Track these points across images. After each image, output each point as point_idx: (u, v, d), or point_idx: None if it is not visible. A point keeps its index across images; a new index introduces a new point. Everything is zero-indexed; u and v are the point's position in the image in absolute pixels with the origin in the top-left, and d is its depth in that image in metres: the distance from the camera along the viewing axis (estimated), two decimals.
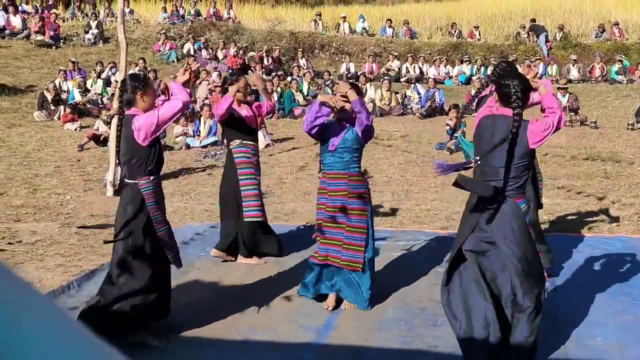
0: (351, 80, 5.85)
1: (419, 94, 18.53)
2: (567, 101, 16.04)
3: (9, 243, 7.24)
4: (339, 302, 5.38)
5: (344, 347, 4.63)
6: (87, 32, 22.70)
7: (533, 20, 25.66)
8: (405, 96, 18.60)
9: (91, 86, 17.54)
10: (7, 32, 21.82)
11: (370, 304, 5.31)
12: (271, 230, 6.89)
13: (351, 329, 4.96)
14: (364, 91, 17.92)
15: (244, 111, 6.69)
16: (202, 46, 22.32)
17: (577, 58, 22.62)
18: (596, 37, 25.11)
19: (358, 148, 5.36)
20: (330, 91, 18.23)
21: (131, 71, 17.28)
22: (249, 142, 6.69)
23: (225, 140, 7.09)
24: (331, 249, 5.30)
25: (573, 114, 15.92)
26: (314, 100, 17.20)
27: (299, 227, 7.93)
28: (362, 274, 5.29)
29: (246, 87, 6.77)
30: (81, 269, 6.39)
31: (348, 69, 22.30)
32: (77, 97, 16.67)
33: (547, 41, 24.02)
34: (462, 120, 13.54)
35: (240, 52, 21.97)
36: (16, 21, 22.14)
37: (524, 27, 25.83)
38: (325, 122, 5.34)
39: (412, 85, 19.07)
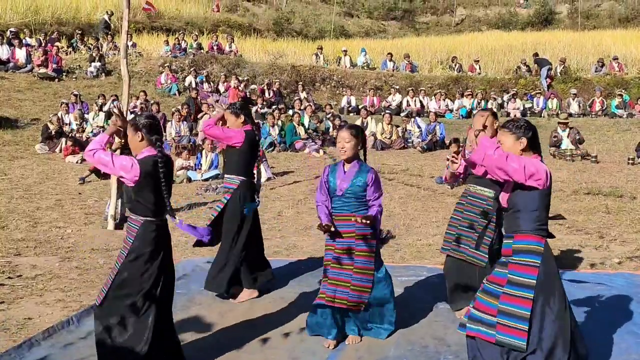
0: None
1: (419, 127, 18.61)
2: (568, 135, 16.12)
3: (9, 277, 7.22)
4: (339, 340, 5.36)
5: None
6: (89, 65, 22.87)
7: (536, 54, 25.86)
8: (406, 130, 18.68)
9: (93, 119, 17.61)
10: (10, 65, 21.96)
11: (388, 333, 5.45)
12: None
13: None
14: (365, 124, 18.02)
15: None
16: (204, 79, 22.47)
17: (577, 92, 22.78)
18: (596, 72, 25.31)
19: (365, 195, 5.32)
20: (330, 124, 18.33)
21: (132, 104, 17.46)
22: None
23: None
24: (338, 290, 5.28)
25: (574, 148, 15.99)
26: (314, 136, 17.29)
27: (300, 261, 7.90)
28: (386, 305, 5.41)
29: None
30: (81, 304, 6.36)
31: (349, 103, 22.44)
32: (75, 129, 16.71)
33: (547, 76, 24.16)
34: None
35: (242, 85, 22.10)
36: (20, 54, 22.30)
37: (525, 61, 26.04)
38: (328, 185, 5.40)
39: (413, 119, 19.16)
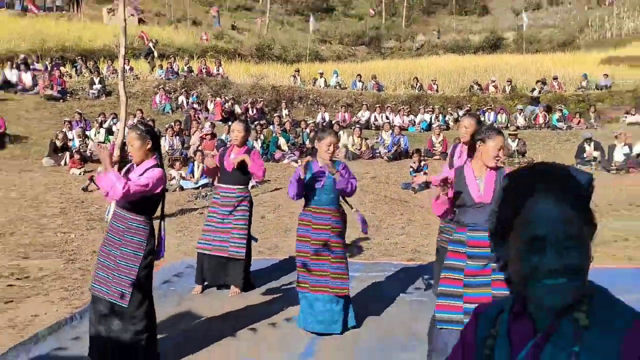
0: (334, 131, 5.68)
1: (383, 141, 18.64)
2: (517, 145, 16.25)
3: (18, 278, 7.07)
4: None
5: None
6: (91, 87, 22.67)
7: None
8: (377, 141, 18.70)
9: (95, 135, 17.39)
10: (19, 87, 21.73)
11: (345, 328, 5.30)
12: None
13: (329, 354, 4.87)
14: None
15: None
16: (196, 100, 22.34)
17: (522, 108, 23.00)
18: (539, 90, 25.57)
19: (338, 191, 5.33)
20: (307, 138, 18.28)
21: (130, 121, 17.29)
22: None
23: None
24: (321, 280, 5.22)
25: (522, 156, 16.11)
26: (293, 150, 17.22)
27: (281, 260, 7.84)
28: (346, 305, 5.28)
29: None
30: (83, 301, 6.23)
31: (323, 118, 22.41)
32: (77, 145, 16.46)
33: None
34: (424, 163, 13.61)
35: (228, 104, 22.04)
36: (27, 78, 22.07)
37: (477, 81, 26.24)
38: (305, 181, 5.31)
39: (380, 132, 19.18)
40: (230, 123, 7.27)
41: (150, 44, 27.51)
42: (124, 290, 4.41)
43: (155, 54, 26.99)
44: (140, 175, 4.44)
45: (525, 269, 1.31)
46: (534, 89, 24.45)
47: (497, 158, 4.23)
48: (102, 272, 4.51)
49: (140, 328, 4.46)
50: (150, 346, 4.55)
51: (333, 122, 21.12)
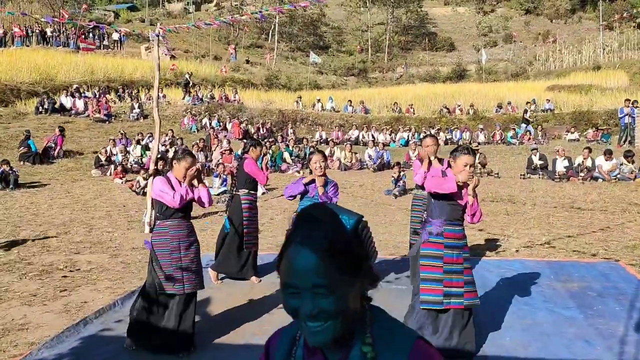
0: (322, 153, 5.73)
1: (370, 156, 18.61)
2: (478, 158, 16.22)
3: (70, 271, 7.04)
4: None
5: None
6: (131, 111, 22.63)
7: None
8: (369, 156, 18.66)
9: (133, 150, 17.36)
10: (72, 112, 21.72)
11: None
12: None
13: None
14: (333, 153, 18.00)
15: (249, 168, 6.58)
16: (219, 124, 22.30)
17: (483, 127, 22.99)
18: (496, 112, 25.59)
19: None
20: (308, 153, 18.25)
21: (163, 139, 17.25)
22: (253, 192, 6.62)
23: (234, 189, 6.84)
24: None
25: (482, 167, 16.08)
26: (297, 167, 17.17)
27: None
28: None
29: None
30: (124, 290, 6.21)
31: (321, 136, 22.41)
32: (120, 159, 16.43)
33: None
34: (403, 173, 13.58)
35: (243, 124, 22.03)
36: (79, 104, 22.06)
37: (445, 105, 26.25)
38: (304, 190, 5.37)
39: (367, 148, 19.16)
40: (245, 141, 7.31)
41: (187, 76, 27.47)
42: (196, 280, 4.61)
43: (191, 83, 26.95)
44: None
45: (289, 310, 1.15)
46: (526, 110, 23.58)
47: (466, 172, 4.07)
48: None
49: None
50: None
51: (328, 139, 21.12)
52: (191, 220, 4.78)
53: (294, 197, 5.35)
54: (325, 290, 1.09)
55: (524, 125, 22.78)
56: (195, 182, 4.61)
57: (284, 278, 1.13)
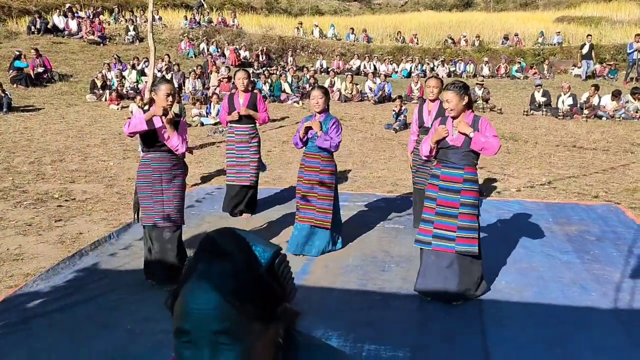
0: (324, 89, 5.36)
1: (369, 87, 18.14)
2: (482, 93, 15.87)
3: (65, 200, 6.97)
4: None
5: (316, 288, 4.49)
6: (126, 33, 21.88)
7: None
8: (370, 88, 18.23)
9: (128, 75, 16.88)
10: (65, 32, 20.97)
11: (335, 246, 5.29)
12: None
13: (321, 273, 4.82)
14: (333, 83, 17.57)
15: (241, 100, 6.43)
16: (217, 49, 21.61)
17: (488, 60, 22.35)
18: (502, 44, 24.81)
19: None
20: (308, 83, 17.82)
21: (159, 65, 16.75)
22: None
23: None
24: (308, 212, 5.13)
25: (485, 102, 15.76)
26: (296, 96, 16.77)
27: (283, 189, 7.74)
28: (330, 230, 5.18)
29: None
30: (120, 222, 6.16)
31: (321, 65, 21.81)
32: (115, 84, 15.99)
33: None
34: (404, 107, 13.30)
35: (241, 50, 21.38)
36: (73, 24, 21.23)
37: (450, 35, 25.41)
38: (310, 136, 5.16)
39: (368, 78, 18.66)
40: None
41: None
42: (179, 213, 4.55)
43: (205, 5, 25.80)
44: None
45: None
46: (584, 45, 20.99)
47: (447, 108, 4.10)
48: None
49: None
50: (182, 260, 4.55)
51: (329, 69, 20.56)
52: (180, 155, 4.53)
53: (304, 145, 5.21)
54: (228, 339, 0.84)
55: (585, 61, 20.49)
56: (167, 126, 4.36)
57: (176, 322, 0.87)
